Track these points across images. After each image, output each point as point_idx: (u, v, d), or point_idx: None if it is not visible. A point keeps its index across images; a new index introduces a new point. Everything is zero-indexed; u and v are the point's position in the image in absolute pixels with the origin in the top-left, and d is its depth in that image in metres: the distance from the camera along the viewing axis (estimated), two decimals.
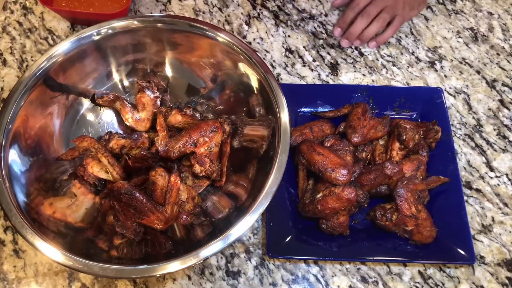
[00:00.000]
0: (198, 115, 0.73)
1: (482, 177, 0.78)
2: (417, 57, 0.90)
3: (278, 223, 0.69)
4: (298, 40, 0.92)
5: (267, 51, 0.90)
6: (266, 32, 0.92)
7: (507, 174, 0.78)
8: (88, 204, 0.67)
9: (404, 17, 0.90)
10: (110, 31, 0.72)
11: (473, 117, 0.84)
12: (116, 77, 0.78)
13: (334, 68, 0.89)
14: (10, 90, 0.66)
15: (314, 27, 0.93)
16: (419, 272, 0.70)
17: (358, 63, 0.89)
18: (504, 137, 0.82)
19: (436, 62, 0.90)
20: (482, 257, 0.71)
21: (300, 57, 0.90)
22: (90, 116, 0.76)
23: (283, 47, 0.91)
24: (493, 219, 0.74)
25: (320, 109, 0.81)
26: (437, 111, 0.79)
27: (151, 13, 0.94)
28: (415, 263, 0.70)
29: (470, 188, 0.77)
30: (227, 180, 0.70)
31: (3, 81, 0.86)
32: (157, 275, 0.56)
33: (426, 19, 0.95)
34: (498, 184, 0.77)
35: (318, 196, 0.68)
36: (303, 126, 0.77)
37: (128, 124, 0.75)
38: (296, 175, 0.74)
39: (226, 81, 0.76)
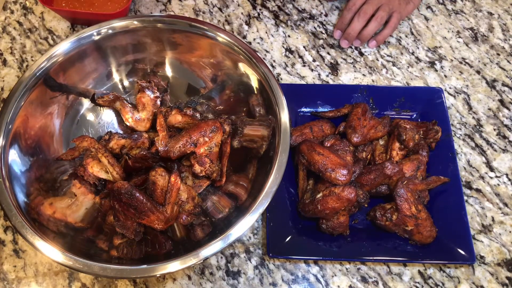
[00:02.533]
0: (198, 115, 0.73)
1: (482, 177, 0.78)
2: (417, 57, 0.90)
3: (278, 223, 0.69)
4: (298, 40, 0.92)
5: (267, 51, 0.90)
6: (266, 32, 0.92)
7: (507, 174, 0.78)
8: (88, 204, 0.67)
9: (402, 13, 0.90)
10: (110, 31, 0.72)
11: (473, 117, 0.84)
12: (116, 77, 0.78)
13: (334, 68, 0.89)
14: (10, 90, 0.66)
15: (314, 27, 0.93)
16: (419, 272, 0.70)
17: (358, 63, 0.89)
18: (504, 137, 0.82)
19: (436, 62, 0.90)
20: (482, 257, 0.71)
21: (300, 57, 0.90)
22: (90, 116, 0.76)
23: (283, 47, 0.91)
24: (493, 219, 0.74)
25: (320, 109, 0.81)
26: (437, 111, 0.79)
27: (151, 13, 0.94)
28: (415, 263, 0.70)
29: (470, 188, 0.77)
30: (227, 180, 0.70)
31: (3, 81, 0.86)
32: (157, 275, 0.56)
33: (426, 19, 0.95)
34: (498, 184, 0.77)
35: (318, 196, 0.68)
36: (303, 126, 0.77)
37: (128, 124, 0.75)
38: (296, 175, 0.74)
39: (226, 81, 0.76)
